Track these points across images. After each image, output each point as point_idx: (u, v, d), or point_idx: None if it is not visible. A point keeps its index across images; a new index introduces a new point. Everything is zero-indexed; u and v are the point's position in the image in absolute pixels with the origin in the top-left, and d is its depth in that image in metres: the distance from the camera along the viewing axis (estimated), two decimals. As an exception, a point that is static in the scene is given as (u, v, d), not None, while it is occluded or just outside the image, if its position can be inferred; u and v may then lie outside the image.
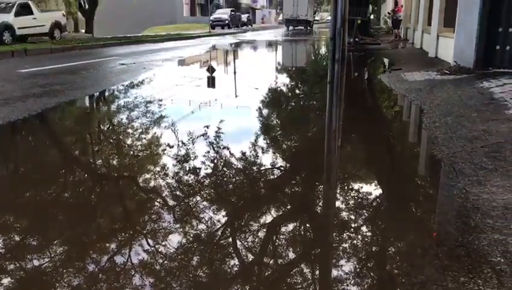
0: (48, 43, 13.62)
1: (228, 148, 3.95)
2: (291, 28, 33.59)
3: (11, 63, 9.56)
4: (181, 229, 2.46)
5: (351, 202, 2.88)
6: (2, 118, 4.29)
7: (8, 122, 4.24)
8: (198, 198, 2.90)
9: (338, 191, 3.09)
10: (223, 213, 2.69)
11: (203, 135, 4.34)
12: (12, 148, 4.08)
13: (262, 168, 3.54)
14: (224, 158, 3.73)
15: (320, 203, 2.96)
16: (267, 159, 3.73)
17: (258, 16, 60.88)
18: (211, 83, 8.42)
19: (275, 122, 5.45)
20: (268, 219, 2.61)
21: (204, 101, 5.99)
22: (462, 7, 6.98)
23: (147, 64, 9.44)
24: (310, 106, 6.59)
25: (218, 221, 2.56)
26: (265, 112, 5.85)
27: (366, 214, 2.69)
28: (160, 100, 6.10)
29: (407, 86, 6.32)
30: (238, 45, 18.72)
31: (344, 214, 2.69)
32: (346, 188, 3.14)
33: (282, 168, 3.59)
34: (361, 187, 3.07)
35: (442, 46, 9.16)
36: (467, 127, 3.95)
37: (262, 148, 4.04)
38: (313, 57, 15.16)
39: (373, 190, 3.07)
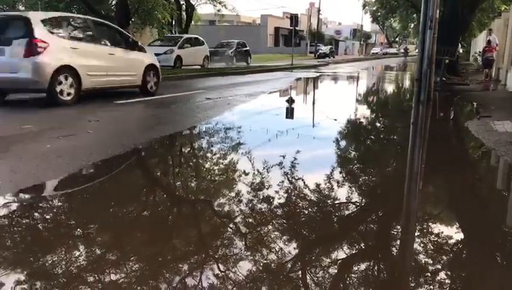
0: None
1: (303, 180, 3.99)
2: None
3: (110, 92, 10.35)
4: (251, 257, 2.51)
5: (428, 250, 2.77)
6: (101, 154, 4.67)
7: (105, 159, 4.61)
8: (271, 227, 2.95)
9: (416, 236, 3.01)
10: (294, 245, 2.70)
11: (278, 164, 4.45)
12: (111, 182, 4.42)
13: (337, 202, 3.53)
14: (298, 189, 3.77)
15: (396, 245, 2.89)
16: (342, 194, 3.70)
17: (341, 47, 60.95)
18: (291, 115, 8.64)
19: (352, 155, 5.44)
20: (340, 255, 2.58)
21: (282, 131, 6.20)
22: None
23: (231, 99, 9.79)
24: (391, 143, 6.50)
25: (289, 253, 2.57)
26: (342, 144, 5.90)
27: (440, 270, 2.60)
28: (239, 132, 6.39)
29: (496, 137, 5.98)
30: (320, 78, 18.87)
31: (419, 261, 2.60)
32: (424, 234, 3.04)
33: (358, 204, 3.54)
34: (439, 238, 2.94)
35: (537, 93, 8.60)
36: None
37: (338, 182, 4.03)
38: (396, 91, 14.92)
39: (450, 245, 2.91)
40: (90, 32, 8.72)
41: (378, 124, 8.29)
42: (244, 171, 4.23)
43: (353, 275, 2.40)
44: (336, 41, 62.76)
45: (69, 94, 7.80)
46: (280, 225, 3.03)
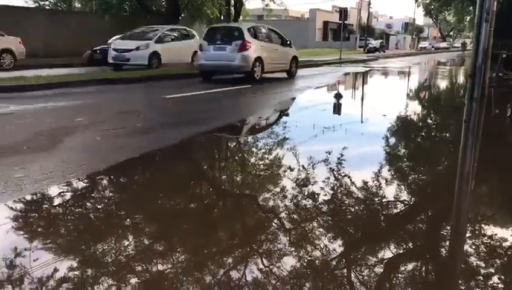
0: (192, 68, 14.86)
1: (349, 177, 3.93)
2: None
3: (158, 87, 10.58)
4: (295, 253, 2.50)
5: (479, 253, 2.65)
6: (148, 146, 4.82)
7: (149, 152, 4.74)
8: (315, 224, 2.92)
9: (467, 237, 2.88)
10: (339, 243, 2.67)
11: (324, 161, 4.40)
12: (153, 175, 4.57)
13: (384, 200, 3.45)
14: (344, 186, 3.72)
15: (445, 247, 2.80)
16: (389, 192, 3.61)
17: (391, 41, 59.46)
18: (338, 110, 8.56)
19: (401, 153, 5.29)
20: (387, 254, 2.52)
21: (329, 127, 6.15)
22: None
23: (277, 94, 9.82)
24: (442, 141, 6.30)
25: (334, 250, 2.54)
26: (392, 141, 5.75)
27: (494, 268, 2.49)
28: (285, 127, 6.36)
29: (557, 136, 5.68)
30: (369, 73, 18.51)
31: (470, 263, 2.51)
32: (476, 236, 2.91)
33: (406, 203, 3.44)
34: (492, 240, 2.82)
35: None
36: None
37: (386, 180, 3.93)
38: (448, 87, 14.39)
39: (504, 248, 2.77)
40: (267, 35, 13.44)
41: (429, 121, 8.04)
42: (290, 167, 4.21)
43: (399, 276, 2.35)
44: (387, 35, 61.26)
45: (258, 75, 12.28)
46: (325, 221, 3.01)
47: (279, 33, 14.14)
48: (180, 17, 22.93)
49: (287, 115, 7.67)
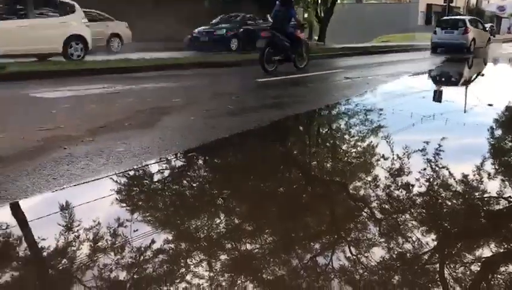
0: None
1: (448, 168, 3.68)
2: None
3: (251, 72, 10.72)
4: (385, 244, 2.42)
5: None
6: (239, 127, 4.93)
7: (242, 131, 4.84)
8: (408, 216, 2.80)
9: None
10: (433, 237, 2.54)
11: (421, 150, 4.19)
12: (245, 152, 4.66)
13: (486, 195, 3.21)
14: (441, 178, 3.50)
15: None
16: (493, 187, 3.33)
17: (503, 25, 54.68)
18: (438, 98, 8.13)
19: (508, 146, 4.86)
20: (485, 253, 2.35)
21: (429, 116, 5.83)
22: None
23: (370, 79, 9.47)
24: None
25: (427, 244, 2.42)
26: (497, 133, 5.31)
27: None
28: (380, 114, 6.11)
29: None
30: (474, 59, 17.24)
31: None
32: None
33: (511, 201, 3.15)
34: None
35: None
36: None
37: (489, 174, 3.62)
38: None
39: None
40: (476, 23, 20.38)
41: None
42: (383, 156, 4.07)
43: (498, 277, 2.18)
44: (498, 18, 56.45)
45: (472, 49, 19.18)
46: (419, 214, 2.86)
47: (481, 22, 22.20)
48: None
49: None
